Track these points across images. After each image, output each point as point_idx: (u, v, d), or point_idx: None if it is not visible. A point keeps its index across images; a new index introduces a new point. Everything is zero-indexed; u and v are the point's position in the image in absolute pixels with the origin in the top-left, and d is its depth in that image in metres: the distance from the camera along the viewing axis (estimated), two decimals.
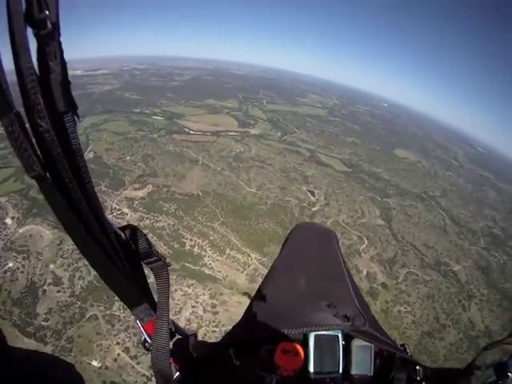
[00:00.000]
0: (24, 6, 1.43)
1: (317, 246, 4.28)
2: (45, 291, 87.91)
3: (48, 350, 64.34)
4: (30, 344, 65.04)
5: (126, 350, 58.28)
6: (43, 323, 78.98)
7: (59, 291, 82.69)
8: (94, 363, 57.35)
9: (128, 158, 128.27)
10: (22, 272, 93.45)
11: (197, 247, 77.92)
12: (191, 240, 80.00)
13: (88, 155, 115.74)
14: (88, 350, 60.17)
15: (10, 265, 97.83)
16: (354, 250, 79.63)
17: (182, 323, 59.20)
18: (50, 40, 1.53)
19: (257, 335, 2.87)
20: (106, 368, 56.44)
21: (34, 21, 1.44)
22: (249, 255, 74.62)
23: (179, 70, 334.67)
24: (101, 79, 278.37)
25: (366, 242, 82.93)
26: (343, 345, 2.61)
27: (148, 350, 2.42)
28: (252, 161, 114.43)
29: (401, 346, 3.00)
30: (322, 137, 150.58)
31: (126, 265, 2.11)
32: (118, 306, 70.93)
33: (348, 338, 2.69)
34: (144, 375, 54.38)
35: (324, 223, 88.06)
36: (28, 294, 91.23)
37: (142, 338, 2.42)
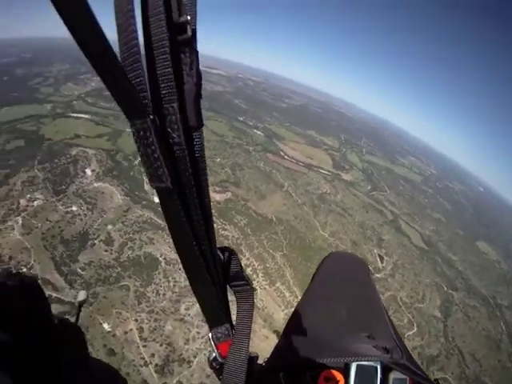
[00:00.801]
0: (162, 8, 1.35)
1: (352, 275, 4.19)
2: (94, 245, 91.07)
3: (71, 294, 68.13)
4: (57, 280, 70.79)
5: (140, 329, 59.96)
6: (79, 270, 78.93)
7: (106, 251, 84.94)
8: (105, 326, 61.01)
9: (218, 160, 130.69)
10: (81, 220, 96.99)
11: (250, 268, 77.11)
12: (248, 260, 79.32)
13: None
14: (106, 312, 63.55)
15: (74, 209, 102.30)
16: (399, 332, 76.60)
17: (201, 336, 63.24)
18: (187, 48, 1.43)
19: (302, 361, 2.86)
20: (114, 335, 59.03)
21: (172, 25, 1.34)
22: (296, 296, 72.02)
23: (291, 93, 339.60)
24: (215, 79, 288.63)
25: (415, 329, 78.24)
26: (381, 377, 2.65)
27: (213, 368, 2.48)
28: (334, 205, 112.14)
29: (434, 380, 2.98)
30: (410, 204, 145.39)
31: (220, 283, 2.19)
32: (152, 289, 71.73)
33: (386, 370, 2.72)
34: (143, 358, 55.47)
35: (381, 294, 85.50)
36: (78, 240, 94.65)
37: (212, 356, 2.45)
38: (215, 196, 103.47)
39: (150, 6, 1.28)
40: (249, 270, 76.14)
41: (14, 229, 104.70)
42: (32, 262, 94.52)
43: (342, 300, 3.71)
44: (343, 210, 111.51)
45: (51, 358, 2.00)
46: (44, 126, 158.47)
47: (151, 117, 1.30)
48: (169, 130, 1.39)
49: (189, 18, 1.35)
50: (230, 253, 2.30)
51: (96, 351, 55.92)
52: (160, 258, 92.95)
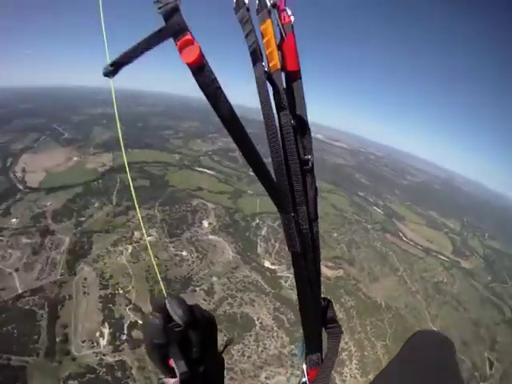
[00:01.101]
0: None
1: (435, 355, 3.85)
2: (194, 291, 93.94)
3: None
4: (148, 310, 73.22)
5: None
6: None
7: (205, 300, 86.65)
8: None
9: (335, 235, 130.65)
10: (188, 265, 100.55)
11: (346, 353, 74.57)
12: (346, 344, 76.82)
13: None
14: None
15: (184, 253, 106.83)
16: None
17: None
18: (309, 173, 2.83)
19: None
20: None
21: (300, 159, 2.73)
22: None
23: (412, 170, 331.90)
24: (337, 151, 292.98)
25: None
26: None
27: None
28: (449, 297, 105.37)
29: None
30: None
31: (319, 322, 3.43)
32: (239, 348, 78.90)
33: None
34: None
35: None
36: (180, 282, 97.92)
37: (302, 381, 3.41)
38: (326, 272, 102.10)
39: (287, 148, 2.66)
40: (344, 355, 73.72)
41: (122, 254, 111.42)
42: (130, 287, 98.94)
43: (424, 378, 3.55)
44: (458, 302, 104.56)
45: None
46: (170, 173, 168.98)
47: (292, 214, 2.63)
48: (300, 221, 2.74)
49: (310, 156, 2.80)
50: (329, 301, 3.55)
51: None
52: (256, 321, 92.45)
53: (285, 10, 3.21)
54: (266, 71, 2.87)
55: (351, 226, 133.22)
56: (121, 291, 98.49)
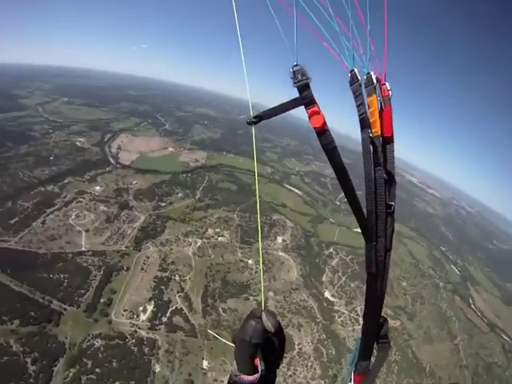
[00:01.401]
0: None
1: None
2: (247, 299, 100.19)
3: (197, 321, 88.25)
4: (197, 304, 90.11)
5: None
6: (220, 309, 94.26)
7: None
8: (204, 363, 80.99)
9: (404, 284, 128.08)
10: (250, 274, 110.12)
11: None
12: None
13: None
14: (213, 355, 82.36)
15: (250, 262, 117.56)
16: None
17: None
18: (390, 215, 4.47)
19: None
20: (205, 374, 78.76)
21: (385, 203, 4.38)
22: None
23: (502, 234, 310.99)
24: (428, 198, 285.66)
25: None
26: None
27: None
28: (498, 382, 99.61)
29: None
30: None
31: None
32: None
33: None
34: None
35: None
36: (236, 287, 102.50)
37: None
38: None
39: (378, 194, 4.30)
40: None
41: (190, 245, 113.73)
42: (187, 278, 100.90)
43: None
44: None
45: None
46: (261, 185, 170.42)
47: (374, 243, 4.21)
48: (379, 249, 4.30)
49: (393, 203, 4.47)
50: (385, 319, 4.82)
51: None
52: (296, 346, 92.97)
53: (384, 84, 4.92)
54: (369, 136, 4.45)
55: (423, 280, 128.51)
56: (177, 278, 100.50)
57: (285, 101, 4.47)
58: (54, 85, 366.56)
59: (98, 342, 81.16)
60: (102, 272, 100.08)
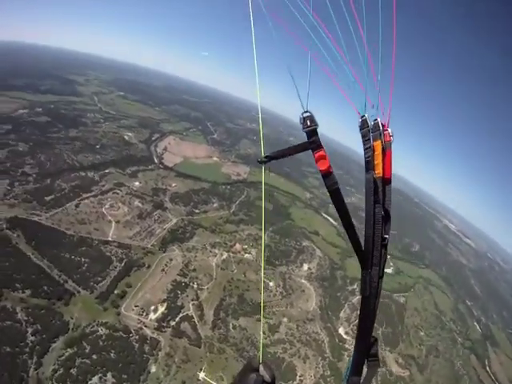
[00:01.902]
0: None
1: None
2: (258, 320, 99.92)
3: (204, 332, 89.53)
4: (208, 316, 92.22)
5: None
6: (230, 325, 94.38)
7: (265, 333, 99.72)
8: (201, 374, 79.92)
9: (421, 333, 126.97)
10: (269, 296, 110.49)
11: None
12: None
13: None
14: (214, 368, 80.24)
15: (271, 284, 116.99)
16: None
17: None
18: (384, 247, 5.47)
19: None
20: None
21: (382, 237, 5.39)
22: None
23: None
24: (464, 249, 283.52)
25: None
26: None
27: None
28: None
29: None
30: None
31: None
32: None
33: None
34: None
35: None
36: (252, 306, 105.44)
37: None
38: (392, 366, 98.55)
39: (375, 228, 5.28)
40: None
41: (215, 256, 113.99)
42: (205, 287, 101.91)
43: None
44: None
45: None
46: (295, 207, 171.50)
47: (369, 270, 5.28)
48: (373, 276, 5.27)
49: (387, 236, 5.47)
50: (376, 340, 5.61)
51: None
52: (297, 377, 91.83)
53: (387, 130, 5.72)
54: (373, 176, 5.40)
55: (442, 332, 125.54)
56: (195, 286, 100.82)
57: (296, 144, 5.49)
58: (112, 78, 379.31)
59: (102, 331, 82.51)
60: (122, 264, 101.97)
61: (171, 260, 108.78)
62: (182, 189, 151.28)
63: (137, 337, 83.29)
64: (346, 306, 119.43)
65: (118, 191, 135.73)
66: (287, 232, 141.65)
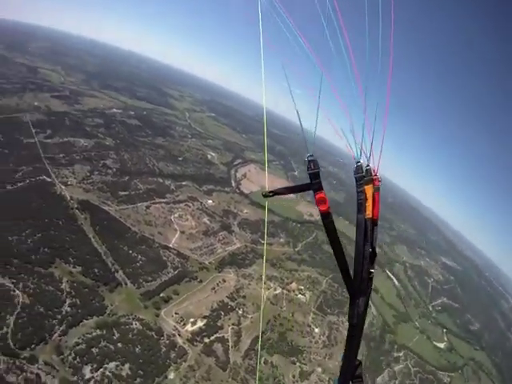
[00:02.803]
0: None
1: None
2: (294, 363, 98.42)
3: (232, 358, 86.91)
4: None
5: None
6: (262, 364, 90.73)
7: (294, 377, 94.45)
8: None
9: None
10: (310, 341, 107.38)
11: None
12: None
13: None
14: None
15: (316, 330, 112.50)
16: None
17: None
18: (370, 280, 6.51)
19: None
20: None
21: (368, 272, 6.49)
22: None
23: None
24: None
25: None
26: None
27: None
28: None
29: None
30: None
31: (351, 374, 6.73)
32: None
33: None
34: None
35: None
36: (289, 347, 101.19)
37: None
38: None
39: (364, 263, 6.33)
40: None
41: (268, 289, 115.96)
42: (249, 316, 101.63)
43: None
44: None
45: None
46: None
47: (357, 301, 6.32)
48: (360, 305, 6.29)
49: (373, 270, 6.55)
50: (360, 362, 6.77)
51: None
52: None
53: (377, 175, 6.68)
54: (364, 217, 6.42)
55: None
56: (240, 312, 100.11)
57: (299, 183, 6.39)
58: (206, 99, 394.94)
59: (136, 325, 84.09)
60: (176, 272, 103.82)
61: (224, 281, 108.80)
62: (252, 217, 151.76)
63: (167, 342, 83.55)
64: (385, 371, 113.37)
65: (190, 204, 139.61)
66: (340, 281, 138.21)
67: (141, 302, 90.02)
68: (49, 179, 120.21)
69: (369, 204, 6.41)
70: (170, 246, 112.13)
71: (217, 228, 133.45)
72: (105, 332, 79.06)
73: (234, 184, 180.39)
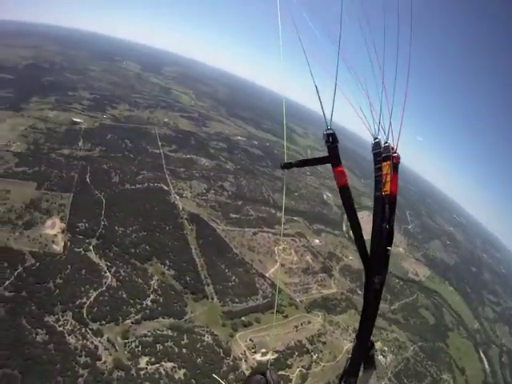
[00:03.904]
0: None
1: None
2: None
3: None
4: None
5: None
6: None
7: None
8: None
9: None
10: None
11: None
12: None
13: None
14: None
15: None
16: None
17: None
18: (386, 258, 6.25)
19: None
20: None
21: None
22: None
23: None
24: None
25: None
26: None
27: None
28: None
29: None
30: None
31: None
32: None
33: None
34: None
35: None
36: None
37: None
38: None
39: (383, 238, 6.18)
40: None
41: (351, 342, 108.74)
42: (322, 364, 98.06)
43: None
44: None
45: None
46: (454, 336, 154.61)
47: (373, 278, 6.04)
48: (377, 282, 6.05)
49: (390, 248, 6.16)
50: (373, 344, 6.43)
51: None
52: None
53: (396, 152, 6.53)
54: (382, 194, 6.23)
55: None
56: (314, 357, 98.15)
57: (319, 156, 6.07)
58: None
59: (207, 338, 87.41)
60: (264, 301, 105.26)
61: (309, 322, 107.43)
62: (356, 265, 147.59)
63: (231, 363, 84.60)
64: None
65: (297, 240, 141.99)
66: (434, 355, 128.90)
67: (220, 319, 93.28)
68: (166, 188, 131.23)
69: (387, 180, 6.28)
70: (267, 275, 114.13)
71: (317, 268, 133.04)
72: (175, 334, 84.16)
73: (344, 228, 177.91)
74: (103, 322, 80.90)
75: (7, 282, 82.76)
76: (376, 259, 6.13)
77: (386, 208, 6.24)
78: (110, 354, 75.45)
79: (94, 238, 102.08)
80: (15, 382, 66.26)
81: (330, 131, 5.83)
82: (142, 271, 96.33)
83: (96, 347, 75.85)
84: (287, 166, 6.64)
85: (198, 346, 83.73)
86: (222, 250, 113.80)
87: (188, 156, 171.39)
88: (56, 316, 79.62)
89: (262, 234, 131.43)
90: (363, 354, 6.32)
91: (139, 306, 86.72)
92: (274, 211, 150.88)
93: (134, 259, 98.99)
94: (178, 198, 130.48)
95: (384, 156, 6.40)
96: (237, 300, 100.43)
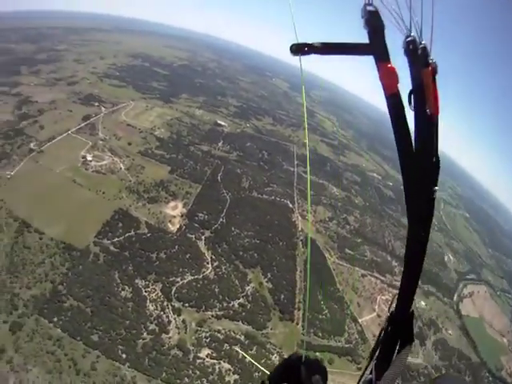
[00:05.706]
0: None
1: None
2: None
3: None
4: None
5: None
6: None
7: None
8: None
9: None
10: None
11: None
12: None
13: None
14: None
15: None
16: None
17: None
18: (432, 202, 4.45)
19: None
20: None
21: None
22: None
23: None
24: None
25: None
26: None
27: None
28: None
29: None
30: None
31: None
32: None
33: None
34: None
35: None
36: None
37: (368, 378, 4.68)
38: None
39: (426, 178, 4.26)
40: None
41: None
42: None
43: None
44: None
45: None
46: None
47: (417, 226, 4.43)
48: (419, 230, 4.42)
49: (436, 187, 4.27)
50: (412, 313, 4.96)
51: None
52: None
53: (432, 58, 4.03)
54: (425, 110, 3.98)
55: None
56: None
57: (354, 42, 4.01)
58: (465, 195, 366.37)
59: (275, 358, 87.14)
60: (346, 345, 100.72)
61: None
62: (451, 341, 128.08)
63: None
64: None
65: (377, 278, 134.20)
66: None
67: (295, 346, 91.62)
68: (291, 205, 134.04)
69: (429, 94, 3.96)
70: (359, 320, 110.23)
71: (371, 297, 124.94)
72: (246, 342, 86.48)
73: (455, 298, 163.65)
74: (186, 305, 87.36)
75: (116, 239, 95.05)
76: (420, 203, 4.34)
77: (432, 134, 4.15)
78: (179, 333, 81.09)
79: (208, 230, 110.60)
80: (84, 317, 75.07)
81: (373, 8, 3.74)
82: (242, 274, 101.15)
83: (169, 322, 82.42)
84: (301, 48, 4.10)
85: (263, 361, 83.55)
86: (326, 282, 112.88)
87: (320, 181, 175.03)
88: (146, 282, 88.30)
89: (370, 278, 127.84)
90: (404, 321, 4.94)
91: (225, 304, 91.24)
92: (389, 259, 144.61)
93: (239, 261, 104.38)
94: (299, 218, 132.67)
95: (422, 60, 3.97)
96: (320, 334, 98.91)
